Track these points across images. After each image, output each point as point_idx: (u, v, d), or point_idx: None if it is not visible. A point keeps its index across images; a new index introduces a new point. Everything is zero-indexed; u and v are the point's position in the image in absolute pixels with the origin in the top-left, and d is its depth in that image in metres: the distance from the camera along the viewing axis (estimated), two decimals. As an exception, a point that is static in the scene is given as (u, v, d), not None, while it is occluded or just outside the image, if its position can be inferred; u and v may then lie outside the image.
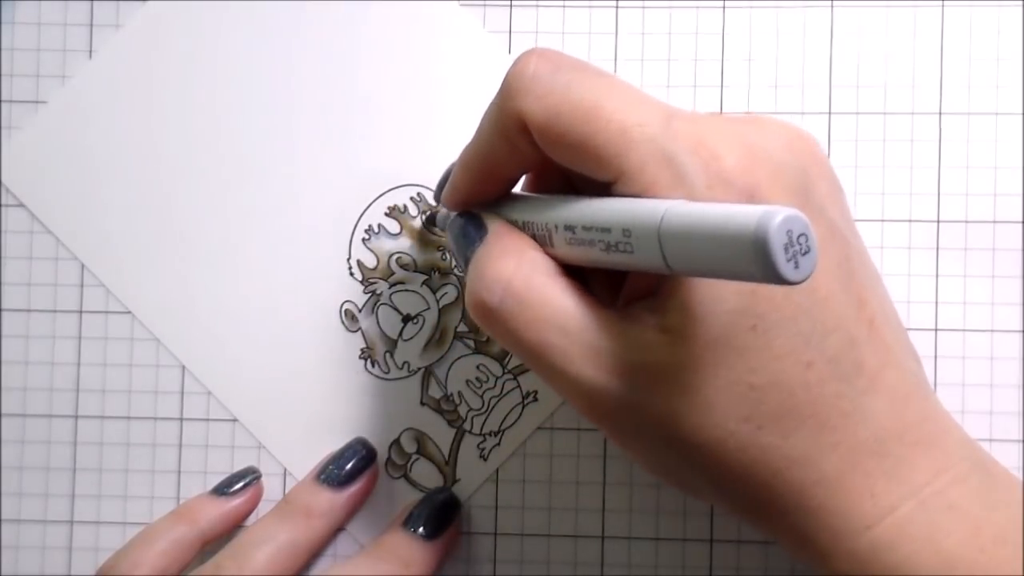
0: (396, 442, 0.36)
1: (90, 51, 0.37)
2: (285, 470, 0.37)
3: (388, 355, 0.37)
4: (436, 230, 0.36)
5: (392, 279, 0.37)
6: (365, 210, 0.37)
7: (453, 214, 0.31)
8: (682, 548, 0.36)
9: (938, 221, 0.36)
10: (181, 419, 0.37)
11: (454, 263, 0.37)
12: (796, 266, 0.21)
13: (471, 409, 0.36)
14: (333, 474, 0.35)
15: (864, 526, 0.26)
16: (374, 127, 0.37)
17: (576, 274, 0.28)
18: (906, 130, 0.36)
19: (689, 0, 0.36)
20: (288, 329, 0.37)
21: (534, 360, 0.27)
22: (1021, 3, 0.36)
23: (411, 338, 0.37)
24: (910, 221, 0.36)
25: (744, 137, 0.26)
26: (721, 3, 0.36)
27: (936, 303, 0.36)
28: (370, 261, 0.37)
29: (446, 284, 0.37)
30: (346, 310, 0.37)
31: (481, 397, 0.36)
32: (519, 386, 0.36)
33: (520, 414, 0.36)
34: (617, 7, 0.37)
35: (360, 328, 0.37)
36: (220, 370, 0.37)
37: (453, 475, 0.36)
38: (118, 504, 0.37)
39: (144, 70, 0.37)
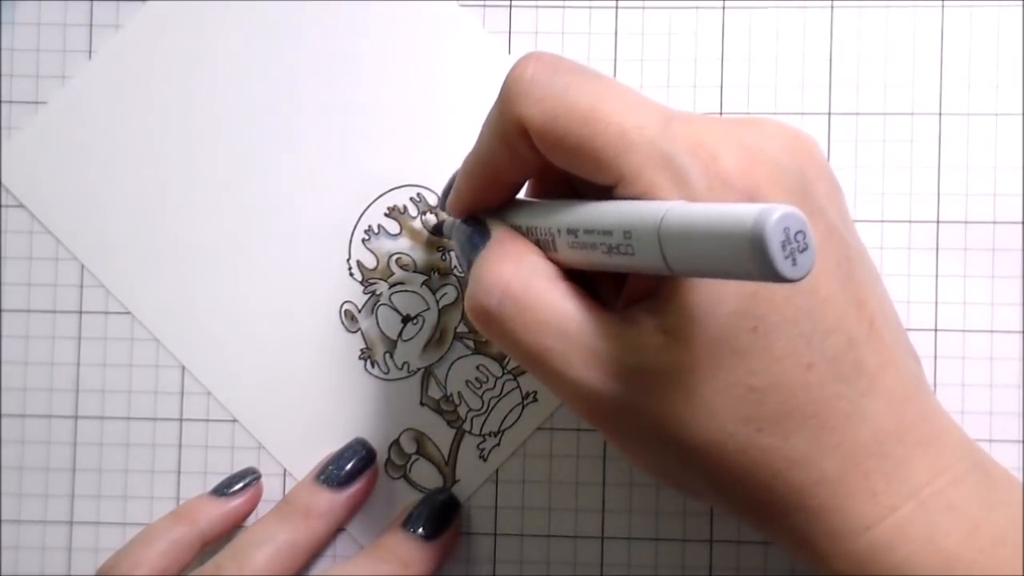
0: (396, 442, 0.36)
1: (90, 51, 0.37)
2: (285, 470, 0.37)
3: (388, 355, 0.37)
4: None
5: (392, 280, 0.37)
6: (365, 210, 0.37)
7: (458, 221, 0.31)
8: (682, 548, 0.36)
9: (938, 221, 0.36)
10: (181, 419, 0.37)
11: (454, 265, 0.37)
12: (794, 263, 0.21)
13: (471, 409, 0.36)
14: (333, 474, 0.35)
15: (864, 527, 0.26)
16: (374, 128, 0.37)
17: (584, 279, 0.28)
18: (906, 130, 0.36)
19: (689, 1, 0.36)
20: (288, 329, 0.37)
21: (532, 363, 0.27)
22: (1021, 3, 0.36)
23: (411, 338, 0.37)
24: (910, 222, 0.36)
25: (742, 138, 0.26)
26: (721, 3, 0.36)
27: (936, 303, 0.36)
28: (370, 262, 0.37)
29: (446, 284, 0.37)
30: (346, 310, 0.37)
31: (481, 397, 0.36)
32: (519, 387, 0.36)
33: (520, 415, 0.36)
34: (617, 8, 0.37)
35: (360, 328, 0.37)
36: (220, 370, 0.37)
37: (453, 475, 0.36)
38: (118, 504, 0.37)
39: (144, 70, 0.37)
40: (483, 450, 0.36)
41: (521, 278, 0.27)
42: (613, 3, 0.37)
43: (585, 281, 0.28)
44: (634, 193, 0.25)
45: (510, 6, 0.37)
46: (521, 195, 0.31)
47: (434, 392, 0.37)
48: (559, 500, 0.36)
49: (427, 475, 0.36)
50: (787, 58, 0.36)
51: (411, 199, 0.37)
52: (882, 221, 0.36)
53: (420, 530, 0.35)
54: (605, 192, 0.26)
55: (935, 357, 0.35)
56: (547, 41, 0.37)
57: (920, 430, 0.27)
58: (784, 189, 0.26)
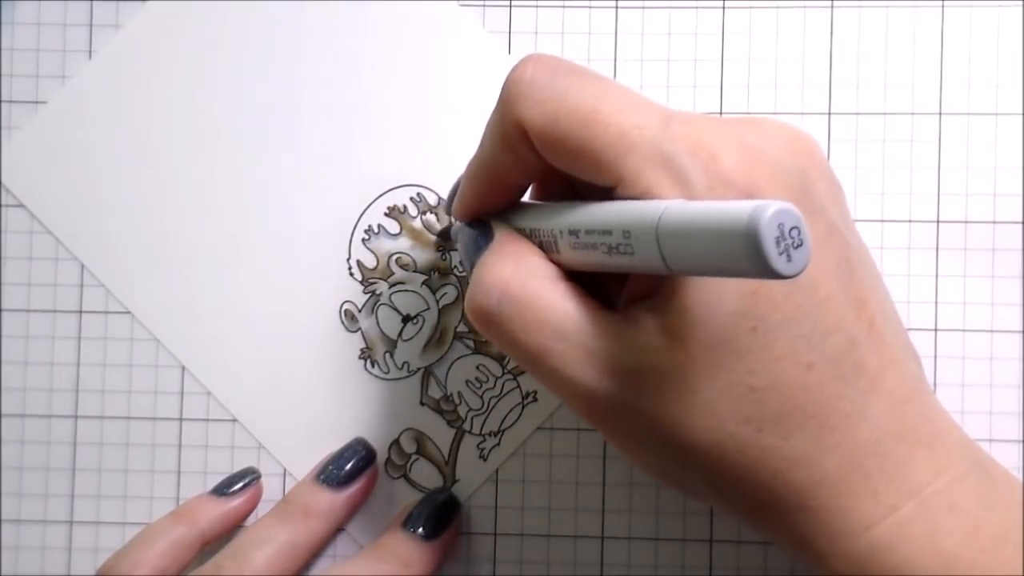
0: (396, 442, 0.36)
1: (90, 51, 0.37)
2: (285, 470, 0.37)
3: (388, 355, 0.37)
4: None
5: (392, 279, 0.37)
6: (365, 210, 0.37)
7: (463, 224, 0.31)
8: (682, 548, 0.36)
9: (938, 221, 0.36)
10: (181, 419, 0.37)
11: (454, 265, 0.37)
12: (789, 259, 0.21)
13: (471, 409, 0.36)
14: (333, 474, 0.35)
15: (864, 526, 0.26)
16: (374, 127, 0.37)
17: (593, 281, 0.28)
18: (906, 130, 0.36)
19: (688, 1, 0.36)
20: (288, 329, 0.37)
21: (531, 363, 0.27)
22: (1021, 3, 0.36)
23: (411, 338, 0.37)
24: (910, 221, 0.36)
25: (743, 138, 0.26)
26: (721, 3, 0.36)
27: (936, 303, 0.36)
28: (370, 261, 0.37)
29: (446, 284, 0.37)
30: (346, 310, 0.37)
31: (481, 397, 0.36)
32: (519, 386, 0.36)
33: (520, 414, 0.36)
34: (617, 8, 0.37)
35: (360, 328, 0.37)
36: (220, 370, 0.37)
37: (453, 475, 0.36)
38: (118, 504, 0.37)
39: (144, 70, 0.37)
40: (483, 450, 0.36)
41: (520, 278, 0.27)
42: (613, 3, 0.37)
43: (594, 283, 0.28)
44: (634, 194, 0.25)
45: (510, 6, 0.37)
46: (525, 198, 0.31)
47: (434, 392, 0.37)
48: (559, 500, 0.36)
49: (427, 475, 0.36)
50: (787, 58, 0.36)
51: (411, 199, 0.37)
52: (882, 221, 0.36)
53: (420, 530, 0.35)
54: (606, 193, 0.26)
55: (935, 357, 0.35)
56: (547, 41, 0.37)
57: (921, 430, 0.27)
58: (785, 188, 0.26)
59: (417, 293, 0.37)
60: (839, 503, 0.26)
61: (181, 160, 0.37)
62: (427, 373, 0.37)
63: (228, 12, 0.37)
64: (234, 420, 0.37)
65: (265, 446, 0.37)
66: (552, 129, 0.26)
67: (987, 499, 0.27)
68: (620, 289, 0.28)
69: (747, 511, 0.27)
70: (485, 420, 0.36)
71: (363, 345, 0.37)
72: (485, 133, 0.29)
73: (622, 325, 0.26)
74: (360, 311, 0.37)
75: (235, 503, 0.36)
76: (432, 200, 0.37)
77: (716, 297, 0.25)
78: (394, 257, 0.37)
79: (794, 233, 0.21)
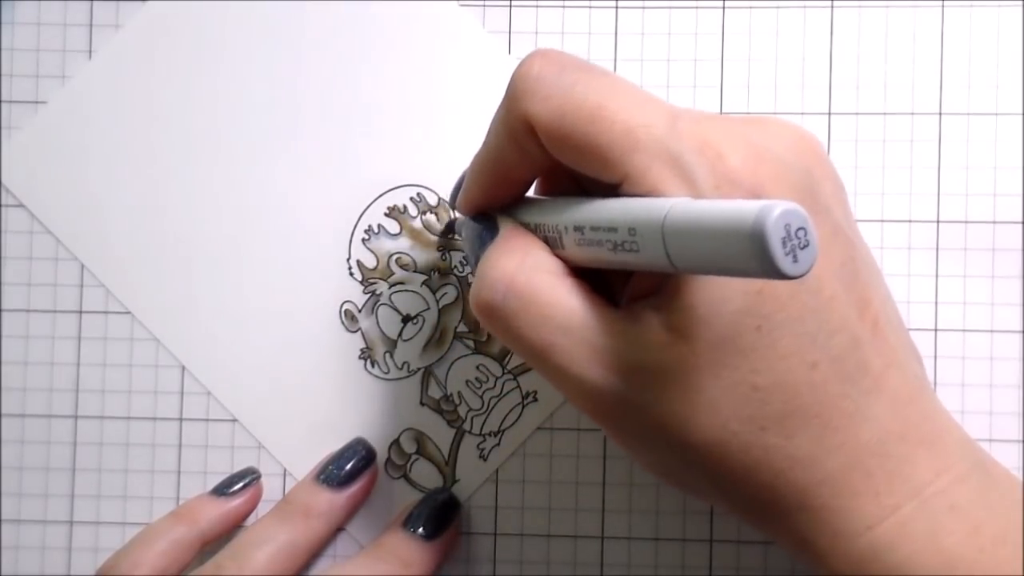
0: (396, 442, 0.36)
1: (90, 51, 0.37)
2: (285, 470, 0.37)
3: (388, 355, 0.37)
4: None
5: (392, 279, 0.37)
6: (365, 210, 0.37)
7: (467, 218, 0.31)
8: (682, 548, 0.36)
9: (938, 221, 0.36)
10: (181, 419, 0.37)
11: (454, 265, 0.37)
12: (795, 260, 0.21)
13: (471, 409, 0.36)
14: (333, 474, 0.35)
15: (865, 526, 0.26)
16: (374, 127, 0.37)
17: (597, 277, 0.28)
18: (906, 130, 0.36)
19: (689, 1, 0.36)
20: (288, 329, 0.37)
21: (536, 359, 0.27)
22: (1021, 3, 0.36)
23: (411, 338, 0.37)
24: (910, 221, 0.36)
25: (749, 137, 0.26)
26: (721, 3, 0.36)
27: (936, 303, 0.36)
28: (370, 261, 0.37)
29: (446, 284, 0.37)
30: (346, 310, 0.37)
31: (481, 397, 0.36)
32: (519, 386, 0.36)
33: (520, 414, 0.36)
34: (617, 7, 0.37)
35: (360, 328, 0.37)
36: (220, 370, 0.37)
37: (453, 475, 0.36)
38: (118, 504, 0.37)
39: (144, 70, 0.37)
40: (483, 450, 0.36)
41: (525, 273, 0.27)
42: (613, 3, 0.37)
43: (598, 279, 0.28)
44: (640, 191, 0.25)
45: (510, 6, 0.37)
46: (530, 193, 0.31)
47: (434, 392, 0.37)
48: (559, 500, 0.36)
49: (427, 475, 0.36)
50: (787, 58, 0.36)
51: (411, 199, 0.37)
52: (882, 221, 0.36)
53: (420, 530, 0.35)
54: (612, 190, 0.26)
55: (935, 357, 0.35)
56: (547, 41, 0.37)
57: (922, 430, 0.27)
58: (790, 188, 0.26)
59: (417, 293, 0.37)
60: (840, 503, 0.26)
61: (181, 160, 0.37)
62: (427, 373, 0.37)
63: (228, 12, 0.37)
64: (234, 420, 0.37)
65: (265, 446, 0.37)
66: (558, 125, 0.26)
67: (987, 499, 0.27)
68: (623, 285, 0.28)
69: (749, 510, 0.27)
70: (485, 420, 0.36)
71: (363, 345, 0.37)
72: (491, 128, 0.29)
73: (627, 322, 0.26)
74: (360, 311, 0.37)
75: (235, 503, 0.36)
76: (432, 200, 0.37)
77: (721, 295, 0.25)
78: (394, 257, 0.37)
79: (800, 234, 0.21)
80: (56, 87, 0.37)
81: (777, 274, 0.21)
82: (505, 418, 0.36)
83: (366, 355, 0.37)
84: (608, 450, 0.36)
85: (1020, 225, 0.36)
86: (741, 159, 0.25)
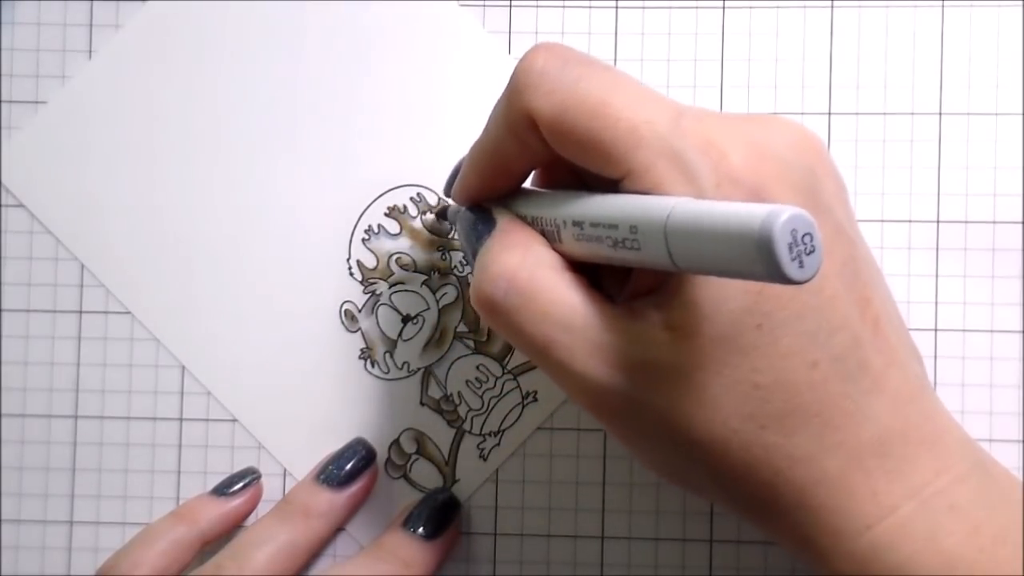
0: (396, 442, 0.36)
1: (90, 51, 0.37)
2: (285, 470, 0.37)
3: (388, 355, 0.37)
4: (446, 224, 0.36)
5: (392, 279, 0.37)
6: (365, 210, 0.37)
7: (462, 208, 0.31)
8: (682, 548, 0.36)
9: (938, 221, 0.36)
10: (181, 419, 0.37)
11: (454, 265, 0.37)
12: (801, 265, 0.21)
13: (471, 409, 0.36)
14: (333, 474, 0.35)
15: (865, 526, 0.26)
16: (374, 127, 0.37)
17: (589, 271, 0.28)
18: (906, 130, 0.36)
19: (688, 1, 0.36)
20: (288, 329, 0.37)
21: (537, 355, 0.27)
22: (1021, 3, 0.36)
23: (411, 338, 0.37)
24: (910, 221, 0.36)
25: (751, 136, 0.26)
26: (721, 3, 0.36)
27: (936, 303, 0.36)
28: (370, 261, 0.37)
29: (446, 284, 0.37)
30: (346, 310, 0.37)
31: (481, 397, 0.36)
32: (519, 386, 0.36)
33: (520, 414, 0.36)
34: (617, 7, 0.37)
35: (360, 328, 0.37)
36: (220, 370, 0.37)
37: (453, 475, 0.36)
38: (118, 504, 0.37)
39: (144, 70, 0.37)
40: (483, 450, 0.36)
41: (527, 268, 0.27)
42: (613, 3, 0.37)
43: (589, 273, 0.28)
44: (642, 187, 0.25)
45: (510, 6, 0.37)
46: (527, 184, 0.31)
47: (434, 392, 0.37)
48: (559, 500, 0.36)
49: (427, 475, 0.36)
50: (787, 58, 0.36)
51: (411, 199, 0.37)
52: (882, 221, 0.36)
53: (420, 530, 0.35)
54: (612, 185, 0.26)
55: (935, 357, 0.35)
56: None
57: (923, 430, 0.27)
58: (792, 187, 0.26)
59: (417, 293, 0.37)
60: (840, 502, 0.26)
61: (181, 160, 0.37)
62: (427, 373, 0.37)
63: (228, 12, 0.37)
64: (234, 420, 0.37)
65: (265, 446, 0.37)
66: (561, 120, 0.26)
67: (987, 499, 0.27)
68: (618, 282, 0.28)
69: (749, 508, 0.27)
70: (485, 420, 0.36)
71: (363, 345, 0.37)
72: (491, 119, 0.29)
73: (629, 319, 0.26)
74: (360, 311, 0.37)
75: (235, 503, 0.36)
76: (432, 200, 0.37)
77: (722, 294, 0.25)
78: (394, 257, 0.37)
79: (806, 239, 0.21)
80: (56, 87, 0.37)
81: (783, 279, 0.21)
82: (505, 418, 0.36)
83: (366, 355, 0.37)
84: (608, 450, 0.36)
85: (1020, 225, 0.36)
86: (743, 158, 0.25)
